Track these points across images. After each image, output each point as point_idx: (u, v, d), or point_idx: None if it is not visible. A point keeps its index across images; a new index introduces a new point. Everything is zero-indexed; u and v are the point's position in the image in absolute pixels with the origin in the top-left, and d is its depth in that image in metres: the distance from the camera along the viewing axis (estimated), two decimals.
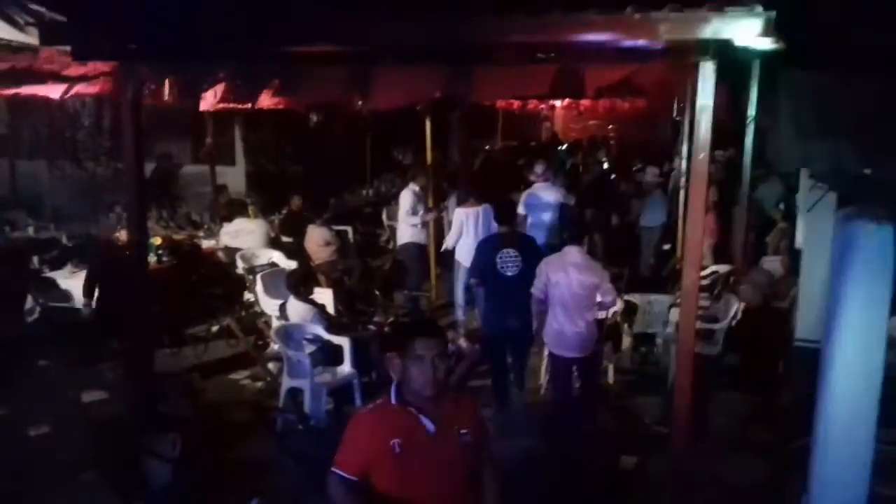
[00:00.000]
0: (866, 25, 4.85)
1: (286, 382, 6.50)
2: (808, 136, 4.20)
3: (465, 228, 8.66)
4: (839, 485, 3.94)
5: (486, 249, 6.56)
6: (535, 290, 5.87)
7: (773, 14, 3.78)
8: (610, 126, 17.82)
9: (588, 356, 5.86)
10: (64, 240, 9.53)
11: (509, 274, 6.31)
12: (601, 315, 6.06)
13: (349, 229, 11.12)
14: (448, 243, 8.91)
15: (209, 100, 8.50)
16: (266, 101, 8.66)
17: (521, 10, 4.14)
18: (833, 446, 3.95)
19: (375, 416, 2.95)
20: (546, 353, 6.30)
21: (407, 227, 9.28)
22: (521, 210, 9.14)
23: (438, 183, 10.12)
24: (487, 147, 16.85)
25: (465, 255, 8.68)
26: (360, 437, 2.91)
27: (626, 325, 7.67)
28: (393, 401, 2.93)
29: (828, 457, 3.98)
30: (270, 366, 7.45)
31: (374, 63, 6.24)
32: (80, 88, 6.63)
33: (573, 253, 5.85)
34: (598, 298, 5.80)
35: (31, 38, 5.67)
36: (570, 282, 5.72)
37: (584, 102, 13.70)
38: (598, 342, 6.00)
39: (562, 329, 5.77)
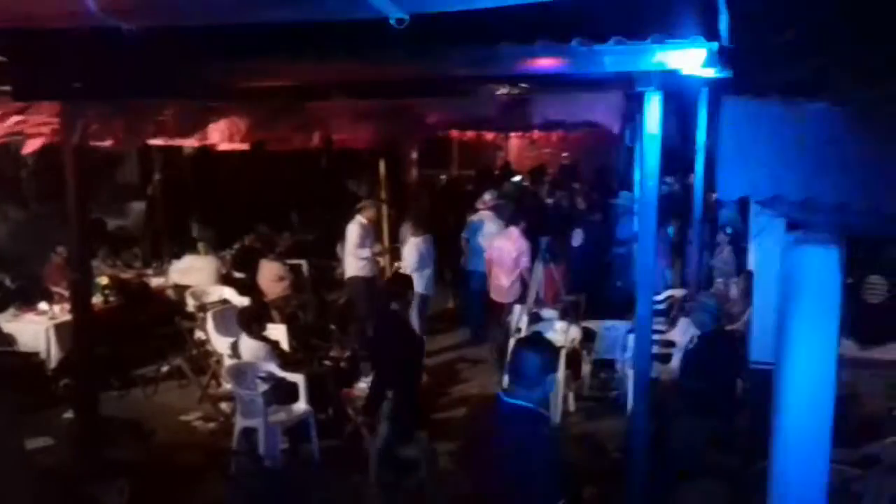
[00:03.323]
0: (808, 52, 4.96)
1: (239, 422, 6.34)
2: (752, 163, 4.26)
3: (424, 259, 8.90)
4: None
5: None
6: (486, 255, 8.96)
7: (714, 45, 3.86)
8: (564, 154, 18.03)
9: (509, 302, 8.50)
10: (7, 282, 9.25)
11: None
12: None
13: (304, 263, 11.00)
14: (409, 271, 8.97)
15: (159, 137, 8.38)
16: (216, 137, 8.56)
17: (469, 42, 4.16)
18: (789, 468, 3.98)
19: None
20: None
21: (354, 260, 9.22)
22: (464, 234, 9.49)
23: (392, 215, 10.11)
24: (443, 176, 16.92)
25: (422, 286, 8.71)
26: None
27: (584, 352, 7.68)
28: None
29: (785, 478, 4.00)
30: (223, 406, 7.28)
31: (324, 98, 6.24)
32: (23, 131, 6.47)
33: (512, 232, 8.75)
34: (520, 265, 8.53)
35: None
36: (502, 250, 8.64)
37: (537, 132, 13.89)
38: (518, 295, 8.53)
39: (498, 282, 8.71)
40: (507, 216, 9.27)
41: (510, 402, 3.12)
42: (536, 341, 3.63)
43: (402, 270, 9.13)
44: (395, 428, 5.88)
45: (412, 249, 9.00)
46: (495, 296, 8.82)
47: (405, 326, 6.39)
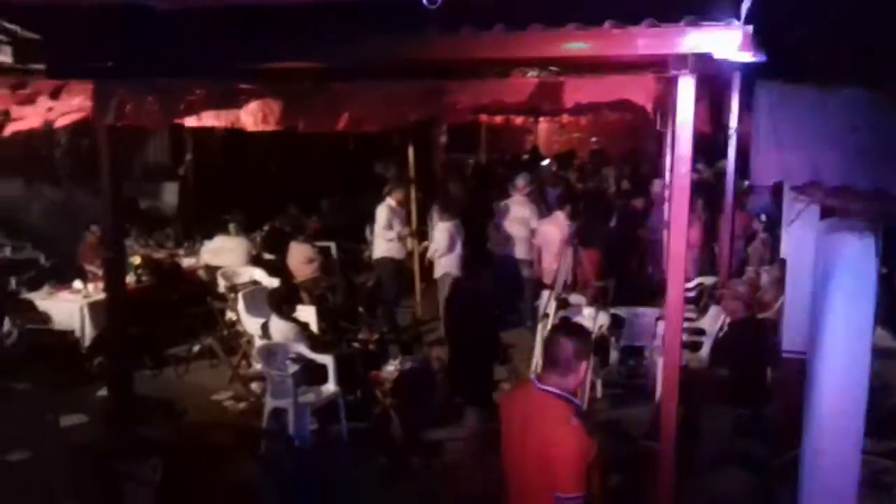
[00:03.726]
0: (845, 37, 4.86)
1: (269, 403, 6.42)
2: (787, 148, 4.19)
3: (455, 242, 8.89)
4: (828, 496, 3.93)
5: None
6: (534, 240, 9.14)
7: (750, 28, 3.78)
8: (593, 139, 17.89)
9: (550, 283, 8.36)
10: (42, 260, 9.41)
11: None
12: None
13: (332, 245, 11.05)
14: (436, 256, 8.96)
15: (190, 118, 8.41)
16: (248, 121, 8.58)
17: (501, 24, 4.12)
18: (821, 458, 3.94)
19: None
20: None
21: (383, 241, 9.26)
22: (496, 221, 9.45)
23: (420, 197, 10.10)
24: (471, 160, 16.88)
25: (454, 267, 8.74)
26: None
27: (613, 339, 7.64)
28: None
29: (816, 469, 3.97)
30: (253, 386, 7.37)
31: (353, 80, 6.22)
32: (56, 114, 6.54)
33: (559, 216, 8.96)
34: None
35: (4, 56, 5.59)
36: (550, 234, 8.81)
37: (566, 116, 13.76)
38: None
39: (547, 265, 8.73)
40: (556, 200, 9.82)
41: (542, 389, 3.12)
42: (572, 328, 3.61)
43: (431, 254, 9.13)
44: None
45: (443, 233, 8.98)
46: (545, 279, 8.85)
47: (484, 303, 6.44)
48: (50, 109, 6.70)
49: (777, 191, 8.34)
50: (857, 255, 3.75)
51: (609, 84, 6.27)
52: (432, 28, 4.07)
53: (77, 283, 8.25)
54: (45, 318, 7.87)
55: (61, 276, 8.56)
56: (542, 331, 6.99)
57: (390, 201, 9.33)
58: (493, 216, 9.97)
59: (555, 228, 8.85)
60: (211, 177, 13.17)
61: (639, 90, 6.07)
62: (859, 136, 4.02)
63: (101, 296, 7.48)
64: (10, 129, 6.44)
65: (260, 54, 4.71)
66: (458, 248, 8.96)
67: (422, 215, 10.13)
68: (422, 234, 9.96)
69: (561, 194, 10.59)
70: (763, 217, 9.31)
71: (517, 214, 9.49)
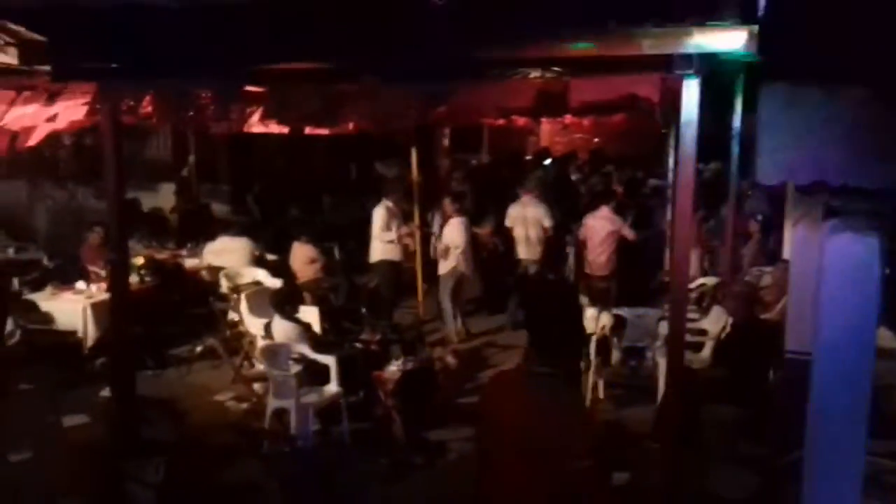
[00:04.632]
0: (849, 36, 4.85)
1: (272, 403, 6.42)
2: (791, 148, 4.19)
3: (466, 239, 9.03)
4: (831, 497, 3.92)
5: None
6: (579, 233, 9.35)
7: (755, 27, 3.78)
8: (595, 139, 17.88)
9: (604, 275, 9.06)
10: (45, 261, 9.42)
11: None
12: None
13: (335, 246, 11.05)
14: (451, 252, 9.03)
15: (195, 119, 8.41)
16: (256, 125, 8.57)
17: (503, 24, 4.12)
18: (823, 459, 3.93)
19: None
20: None
21: (380, 243, 9.22)
22: (506, 223, 9.41)
23: (422, 198, 10.10)
24: (474, 161, 16.87)
25: (463, 263, 8.78)
26: None
27: (615, 339, 7.63)
28: None
29: (819, 470, 3.96)
30: (256, 386, 7.37)
31: (355, 81, 6.24)
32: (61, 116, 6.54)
33: (603, 210, 9.16)
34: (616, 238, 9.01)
35: (10, 58, 5.60)
36: (594, 228, 9.02)
37: (569, 116, 13.77)
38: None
39: (591, 257, 9.07)
40: (599, 195, 10.18)
41: (538, 372, 3.15)
42: (559, 314, 3.59)
43: (444, 249, 9.07)
44: None
45: (459, 229, 8.96)
46: (589, 270, 9.17)
47: (569, 294, 6.44)
48: (54, 112, 6.72)
49: (775, 192, 8.34)
50: (860, 255, 3.75)
51: (614, 83, 6.28)
52: (438, 29, 4.07)
53: (80, 284, 8.26)
54: (47, 318, 7.87)
55: (64, 277, 8.57)
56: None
57: (388, 202, 9.30)
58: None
59: (599, 222, 9.07)
60: (214, 177, 13.19)
61: (645, 86, 6.08)
62: (865, 136, 4.02)
63: (104, 296, 7.48)
64: (26, 142, 6.46)
65: (265, 55, 4.73)
66: (469, 248, 8.98)
67: (423, 216, 10.12)
68: (424, 235, 9.95)
69: (602, 191, 11.00)
70: (759, 217, 9.31)
71: (529, 215, 9.46)
